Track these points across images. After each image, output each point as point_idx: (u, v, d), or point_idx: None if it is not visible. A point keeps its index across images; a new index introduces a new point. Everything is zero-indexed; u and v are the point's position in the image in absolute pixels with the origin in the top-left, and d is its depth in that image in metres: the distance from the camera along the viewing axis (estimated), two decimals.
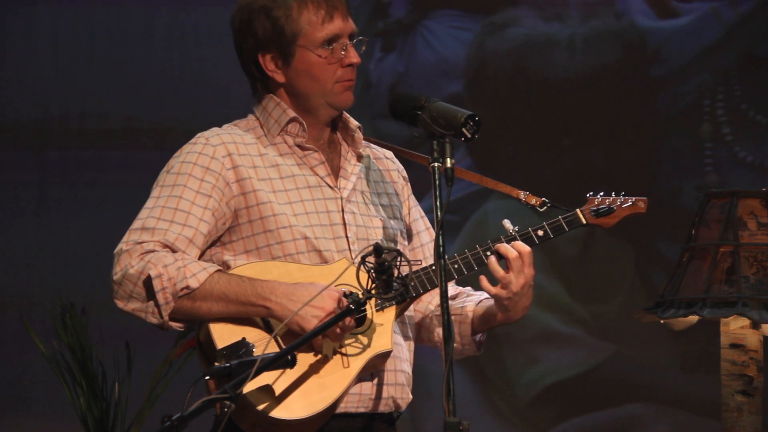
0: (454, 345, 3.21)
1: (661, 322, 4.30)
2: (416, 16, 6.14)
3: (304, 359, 2.99)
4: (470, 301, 3.23)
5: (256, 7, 3.11)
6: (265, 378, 2.93)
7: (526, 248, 3.09)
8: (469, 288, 3.28)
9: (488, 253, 3.11)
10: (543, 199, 3.20)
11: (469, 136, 2.99)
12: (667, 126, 6.09)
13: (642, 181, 6.07)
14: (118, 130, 6.10)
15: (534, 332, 6.04)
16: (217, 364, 2.90)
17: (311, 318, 2.96)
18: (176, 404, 2.75)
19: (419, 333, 3.26)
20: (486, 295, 3.22)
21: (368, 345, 3.02)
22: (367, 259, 2.95)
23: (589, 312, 6.05)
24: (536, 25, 6.13)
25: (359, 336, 3.02)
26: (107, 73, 6.10)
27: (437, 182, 2.93)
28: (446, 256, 3.07)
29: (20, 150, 6.11)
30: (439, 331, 3.23)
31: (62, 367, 5.23)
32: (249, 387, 2.90)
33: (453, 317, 3.21)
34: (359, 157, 3.20)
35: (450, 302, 3.21)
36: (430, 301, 3.25)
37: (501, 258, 3.10)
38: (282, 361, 2.90)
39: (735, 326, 4.22)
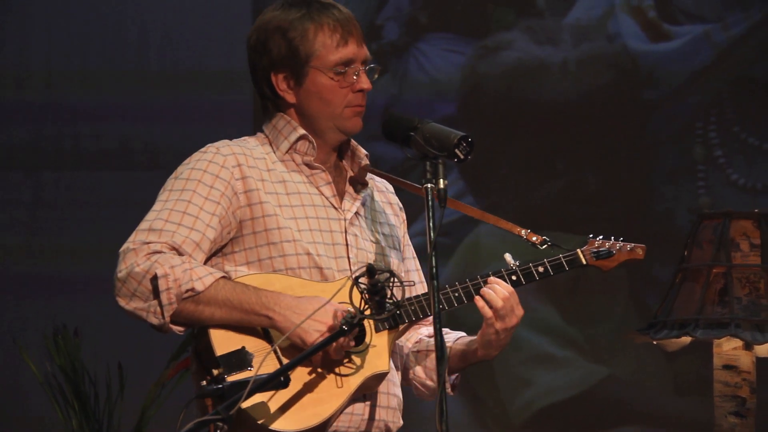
0: (429, 384, 3.21)
1: (654, 343, 4.30)
2: (409, 39, 6.16)
3: (302, 375, 2.99)
4: (448, 338, 3.22)
5: (273, 27, 3.13)
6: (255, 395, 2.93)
7: (510, 288, 3.10)
8: (446, 329, 3.28)
9: (480, 287, 3.10)
10: (544, 237, 3.20)
11: (462, 157, 2.99)
12: (659, 148, 6.10)
13: (635, 204, 6.08)
14: (111, 151, 6.11)
15: (527, 355, 6.03)
16: (215, 372, 2.89)
17: (313, 332, 2.96)
18: (169, 426, 2.74)
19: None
20: (462, 333, 3.23)
21: (366, 365, 3.02)
22: (360, 280, 2.96)
23: (582, 334, 6.05)
24: (529, 49, 6.15)
25: (357, 356, 3.03)
26: (100, 93, 6.10)
27: (430, 203, 2.94)
28: (438, 285, 3.08)
29: (13, 170, 6.11)
30: (417, 369, 3.22)
31: (54, 388, 5.21)
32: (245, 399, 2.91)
33: (431, 353, 3.21)
34: (364, 185, 3.21)
35: (427, 340, 3.23)
36: (408, 338, 3.24)
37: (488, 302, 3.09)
38: (275, 382, 2.90)
39: (728, 347, 4.22)
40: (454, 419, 5.98)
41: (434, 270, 2.91)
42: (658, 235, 5.87)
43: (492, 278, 3.11)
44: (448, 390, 3.21)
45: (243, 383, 2.84)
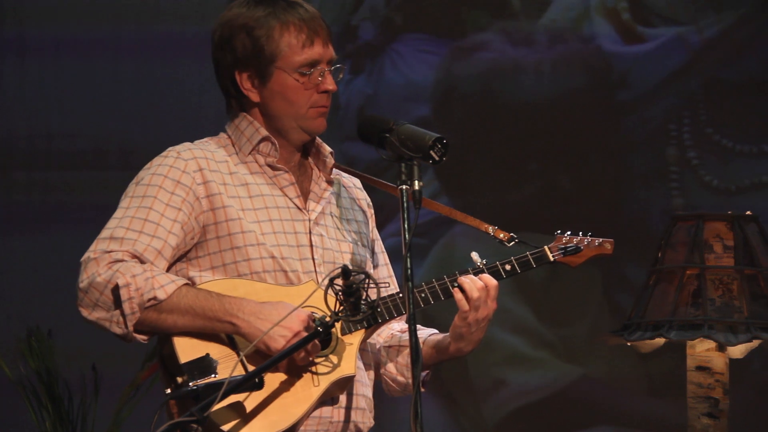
0: (399, 379, 3.22)
1: (628, 344, 4.31)
2: (385, 39, 6.16)
3: (268, 379, 2.98)
4: (421, 334, 3.22)
5: (238, 25, 3.11)
6: (228, 397, 2.93)
7: (492, 281, 3.10)
8: (419, 325, 3.28)
9: (455, 284, 3.11)
10: (511, 234, 3.21)
11: (437, 159, 3.00)
12: (633, 150, 6.12)
13: (608, 205, 6.10)
14: (85, 151, 6.08)
15: (501, 355, 6.04)
16: (179, 379, 2.88)
17: (279, 338, 2.96)
18: (143, 427, 2.74)
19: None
20: (434, 330, 3.23)
21: (332, 368, 3.03)
22: (335, 282, 2.96)
23: (557, 335, 6.06)
24: (504, 50, 6.16)
25: (324, 359, 3.02)
26: (74, 94, 6.08)
27: (405, 205, 2.94)
28: (412, 284, 3.09)
29: None
30: (388, 365, 3.22)
31: (28, 390, 5.19)
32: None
33: (402, 349, 3.21)
34: (330, 183, 3.21)
35: (399, 335, 3.24)
36: (379, 333, 3.24)
37: (464, 291, 3.11)
38: (250, 383, 2.89)
39: (701, 349, 4.24)
40: (429, 420, 5.98)
41: (409, 271, 2.91)
42: (632, 237, 5.89)
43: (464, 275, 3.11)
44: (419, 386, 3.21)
45: (218, 384, 2.84)
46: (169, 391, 2.93)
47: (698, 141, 6.09)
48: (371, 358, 3.22)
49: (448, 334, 3.17)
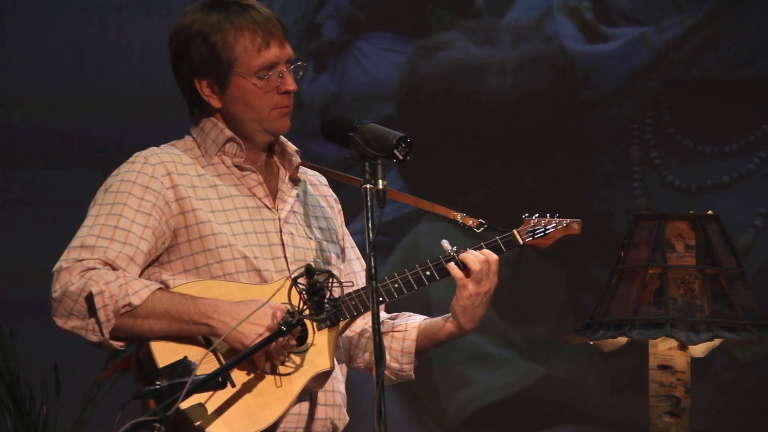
0: (394, 366, 3.24)
1: (591, 343, 4.33)
2: (349, 37, 6.16)
3: (247, 378, 2.99)
4: (414, 319, 3.25)
5: (193, 32, 3.11)
6: (206, 395, 2.93)
7: (493, 256, 3.14)
8: (409, 312, 3.29)
9: (448, 261, 3.13)
10: (480, 220, 3.23)
11: (401, 158, 3.01)
12: (596, 149, 6.15)
13: (572, 204, 6.12)
14: (48, 148, 6.05)
15: (465, 354, 6.06)
16: (157, 383, 2.88)
17: (251, 334, 2.97)
18: (106, 427, 2.73)
19: (352, 355, 3.27)
20: (425, 316, 3.25)
21: (309, 364, 3.04)
22: (299, 280, 2.96)
23: (520, 334, 6.08)
24: (468, 49, 6.18)
25: (300, 355, 3.03)
26: (38, 89, 6.04)
27: (369, 204, 2.95)
28: (395, 273, 3.11)
29: None
30: (371, 352, 3.24)
31: None
32: (190, 404, 2.90)
33: (396, 334, 3.23)
34: (296, 181, 3.21)
35: (391, 321, 3.25)
36: (366, 321, 3.25)
37: (463, 267, 3.13)
38: (213, 382, 2.89)
39: (663, 348, 4.26)
40: (392, 419, 5.99)
41: (373, 270, 2.92)
42: (595, 236, 5.91)
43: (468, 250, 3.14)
44: (411, 372, 3.24)
45: (181, 384, 2.83)
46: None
47: (661, 141, 6.12)
48: (344, 354, 3.23)
49: (441, 317, 3.19)
